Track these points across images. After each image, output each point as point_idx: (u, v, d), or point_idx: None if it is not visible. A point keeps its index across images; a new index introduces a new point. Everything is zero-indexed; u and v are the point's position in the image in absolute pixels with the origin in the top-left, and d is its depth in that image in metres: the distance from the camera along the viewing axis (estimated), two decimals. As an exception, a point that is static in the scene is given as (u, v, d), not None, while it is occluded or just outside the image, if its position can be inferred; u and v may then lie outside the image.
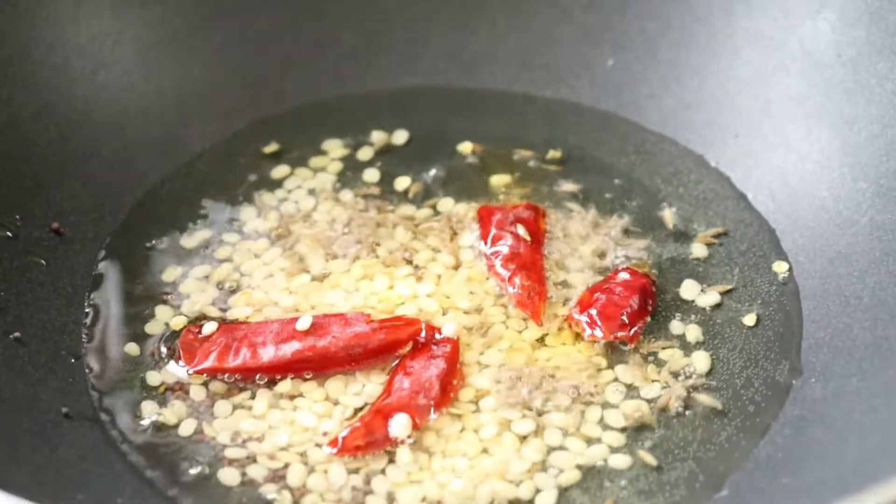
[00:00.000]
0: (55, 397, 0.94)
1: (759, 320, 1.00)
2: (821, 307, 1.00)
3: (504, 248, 1.04)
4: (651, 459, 0.92)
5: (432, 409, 0.93)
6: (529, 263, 1.03)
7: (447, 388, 0.95)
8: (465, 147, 1.14)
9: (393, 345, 0.97)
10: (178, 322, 1.00)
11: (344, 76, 1.20)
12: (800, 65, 1.11)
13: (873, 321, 0.95)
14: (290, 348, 0.96)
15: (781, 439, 0.92)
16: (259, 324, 0.98)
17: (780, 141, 1.10)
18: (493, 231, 1.06)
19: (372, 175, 1.13)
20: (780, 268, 1.04)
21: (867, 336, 0.95)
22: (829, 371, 0.95)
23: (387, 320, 0.98)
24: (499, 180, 1.12)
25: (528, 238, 1.05)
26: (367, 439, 0.91)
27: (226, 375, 0.96)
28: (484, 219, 1.07)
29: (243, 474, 0.91)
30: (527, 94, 1.19)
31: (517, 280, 1.02)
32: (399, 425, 0.92)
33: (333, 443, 0.92)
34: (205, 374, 0.97)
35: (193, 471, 0.92)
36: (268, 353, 0.96)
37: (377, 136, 1.16)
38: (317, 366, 0.96)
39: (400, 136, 1.16)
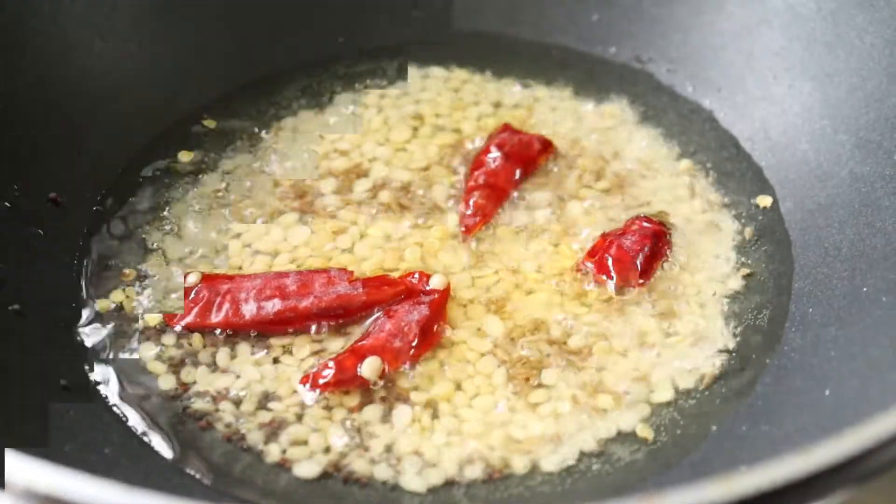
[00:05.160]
0: (53, 370, 0.93)
1: (751, 274, 1.02)
2: (801, 258, 1.01)
3: (487, 163, 1.06)
4: (635, 408, 0.93)
5: (410, 354, 0.94)
6: (499, 185, 1.05)
7: (427, 335, 0.95)
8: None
9: (375, 304, 0.97)
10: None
11: (336, 37, 1.21)
12: (782, 19, 1.12)
13: (851, 271, 0.96)
14: (272, 307, 0.96)
15: (761, 387, 0.93)
16: (242, 278, 0.98)
17: (762, 94, 1.11)
18: (491, 149, 1.08)
19: (372, 116, 1.15)
20: (765, 201, 1.06)
21: (846, 286, 0.96)
22: (809, 320, 0.96)
23: (370, 279, 0.98)
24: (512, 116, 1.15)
25: (521, 141, 1.07)
26: (337, 377, 0.92)
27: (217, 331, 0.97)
28: (493, 135, 1.10)
29: (229, 427, 0.92)
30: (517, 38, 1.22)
31: (473, 196, 1.04)
32: (369, 368, 0.92)
33: (305, 379, 0.93)
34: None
35: (179, 422, 0.92)
36: (250, 311, 0.96)
37: (373, 88, 1.18)
38: (298, 323, 0.97)
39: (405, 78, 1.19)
